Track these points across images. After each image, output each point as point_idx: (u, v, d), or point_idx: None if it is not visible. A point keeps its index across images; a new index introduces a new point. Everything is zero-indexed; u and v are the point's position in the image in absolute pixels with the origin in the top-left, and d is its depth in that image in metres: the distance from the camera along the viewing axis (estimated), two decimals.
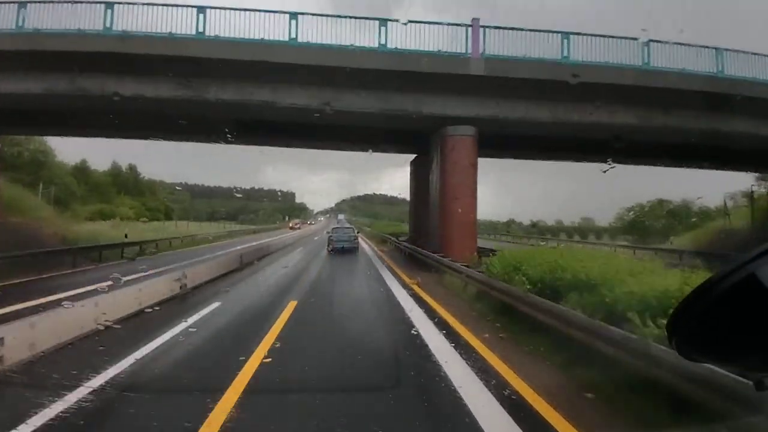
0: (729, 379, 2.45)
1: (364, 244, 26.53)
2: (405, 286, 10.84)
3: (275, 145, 19.78)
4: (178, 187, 65.48)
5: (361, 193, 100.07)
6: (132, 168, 38.00)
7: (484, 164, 21.78)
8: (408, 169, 21.30)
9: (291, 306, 7.75)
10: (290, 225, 48.55)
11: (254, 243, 22.84)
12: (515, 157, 21.60)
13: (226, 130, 13.62)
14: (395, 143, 19.05)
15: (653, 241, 26.98)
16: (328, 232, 22.44)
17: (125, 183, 36.54)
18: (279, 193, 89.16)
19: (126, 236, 18.20)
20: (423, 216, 17.64)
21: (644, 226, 30.92)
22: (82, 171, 32.95)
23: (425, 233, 16.88)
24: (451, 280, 10.68)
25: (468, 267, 9.93)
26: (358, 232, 22.82)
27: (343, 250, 19.30)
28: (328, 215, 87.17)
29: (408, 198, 23.88)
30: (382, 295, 9.73)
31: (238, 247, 19.37)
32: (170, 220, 41.54)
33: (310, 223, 69.96)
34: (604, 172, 13.19)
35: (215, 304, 7.87)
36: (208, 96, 12.62)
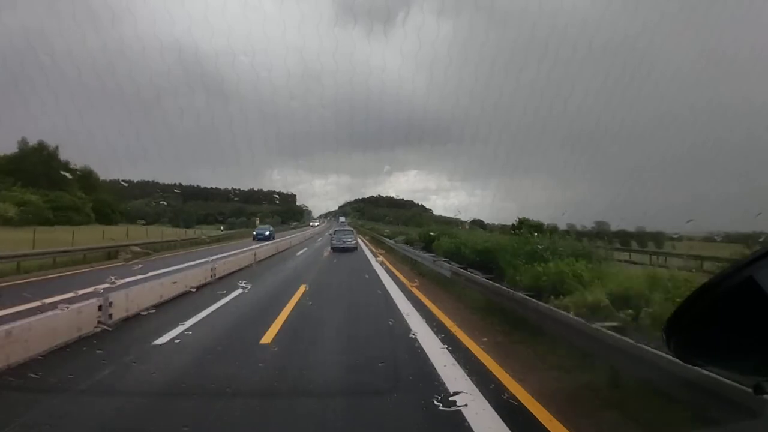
0: (727, 383, 2.43)
1: None
2: None
3: None
4: (176, 190, 60.95)
5: (366, 196, 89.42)
6: (42, 148, 26.31)
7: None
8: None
9: None
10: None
11: None
12: None
13: None
14: None
15: None
16: (330, 234, 26.46)
17: (31, 170, 25.10)
18: (277, 195, 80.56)
19: None
20: None
21: None
22: None
23: None
24: None
25: None
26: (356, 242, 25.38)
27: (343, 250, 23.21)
28: (328, 218, 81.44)
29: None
30: None
31: None
32: (109, 223, 30.20)
33: (269, 235, 30.33)
34: None
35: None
36: None
